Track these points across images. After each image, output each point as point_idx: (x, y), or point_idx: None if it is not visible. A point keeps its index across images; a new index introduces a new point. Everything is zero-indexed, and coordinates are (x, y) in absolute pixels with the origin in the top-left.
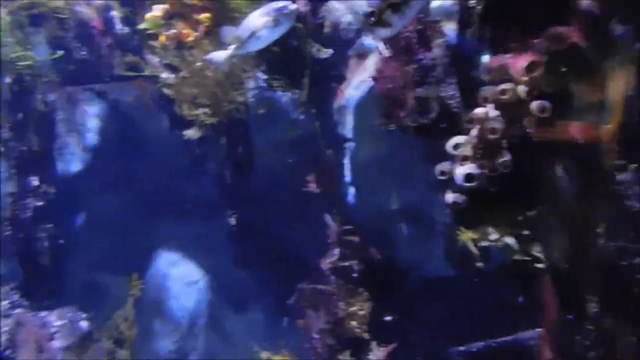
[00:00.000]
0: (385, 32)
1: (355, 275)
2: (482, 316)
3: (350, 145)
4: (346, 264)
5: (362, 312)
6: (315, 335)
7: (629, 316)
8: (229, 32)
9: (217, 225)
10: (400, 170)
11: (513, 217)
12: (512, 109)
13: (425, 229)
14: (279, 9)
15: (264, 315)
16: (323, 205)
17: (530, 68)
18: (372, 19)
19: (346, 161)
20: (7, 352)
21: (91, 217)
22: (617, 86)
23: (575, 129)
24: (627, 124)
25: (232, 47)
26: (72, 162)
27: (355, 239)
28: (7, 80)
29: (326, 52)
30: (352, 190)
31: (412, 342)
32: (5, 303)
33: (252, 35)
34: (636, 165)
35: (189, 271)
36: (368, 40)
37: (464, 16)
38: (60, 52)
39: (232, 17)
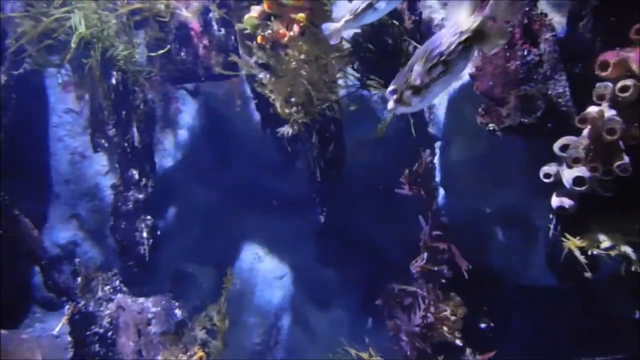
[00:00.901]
0: (404, 109)
1: (445, 279)
2: (587, 331)
3: (441, 144)
4: (436, 268)
5: (454, 318)
6: (404, 338)
7: None
8: (343, 5)
9: (305, 223)
10: (497, 172)
11: (630, 225)
12: (631, 108)
13: (524, 235)
14: None
15: (349, 313)
16: (415, 206)
17: None
18: (395, 96)
19: (437, 161)
20: (109, 333)
21: (184, 210)
22: None
23: None
24: None
25: (345, 18)
26: (168, 158)
27: (446, 243)
28: (113, 80)
29: None
30: (442, 192)
31: (507, 353)
32: (108, 288)
33: (370, 6)
34: None
35: (275, 266)
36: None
37: (575, 8)
38: (166, 49)
39: (327, 15)
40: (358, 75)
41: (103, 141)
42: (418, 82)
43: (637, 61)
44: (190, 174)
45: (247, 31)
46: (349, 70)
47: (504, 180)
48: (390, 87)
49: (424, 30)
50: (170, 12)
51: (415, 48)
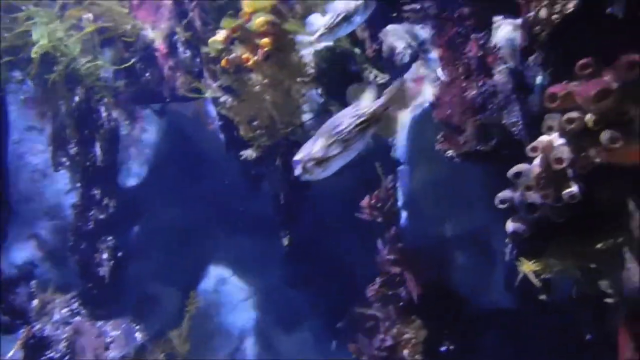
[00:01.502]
0: (308, 177)
1: (403, 302)
2: (545, 353)
3: (404, 169)
4: (390, 292)
5: (414, 341)
6: None
7: None
8: (316, 18)
9: (271, 245)
10: (458, 196)
11: (580, 249)
12: (579, 138)
13: (484, 258)
14: None
15: (315, 336)
16: (376, 229)
17: (599, 96)
18: (299, 166)
19: (400, 185)
20: (65, 358)
21: (148, 231)
22: None
23: None
24: None
25: (320, 32)
26: (132, 177)
27: (400, 267)
28: (77, 97)
29: (383, 78)
30: (405, 215)
31: None
32: (65, 310)
33: (345, 19)
34: None
35: (241, 288)
36: (427, 63)
37: (526, 43)
38: (130, 62)
39: (292, 40)
40: (322, 100)
41: (65, 159)
42: (320, 155)
43: (581, 95)
44: (155, 194)
45: (213, 55)
46: (313, 95)
47: (464, 205)
48: (296, 157)
49: (385, 57)
50: (136, 32)
51: (376, 76)
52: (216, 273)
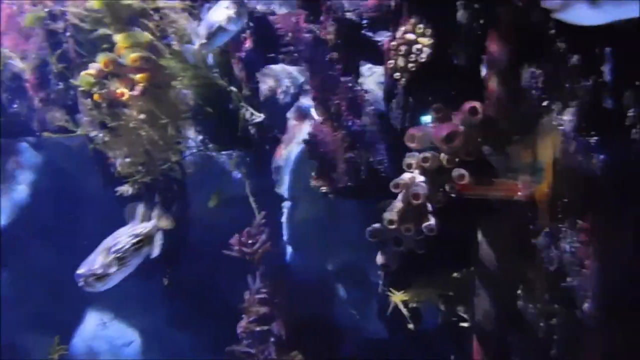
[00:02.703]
0: (91, 290)
1: (275, 339)
2: None
3: (288, 204)
4: (258, 328)
5: None
6: None
7: None
8: (192, 29)
9: (154, 285)
10: (337, 231)
11: (440, 279)
12: (435, 175)
13: (362, 291)
14: (237, 1)
15: None
16: (250, 266)
17: (449, 138)
18: (81, 280)
19: (285, 220)
20: None
21: (21, 274)
22: (546, 149)
23: (526, 187)
24: (557, 186)
25: (200, 42)
26: (3, 216)
27: (268, 307)
28: None
29: (259, 116)
30: (290, 250)
31: None
32: None
33: (220, 29)
34: (549, 229)
35: (122, 332)
36: (305, 103)
37: (389, 87)
38: None
39: (168, 74)
40: (200, 137)
41: None
42: (99, 271)
43: (435, 136)
44: (29, 234)
45: (84, 88)
46: (191, 132)
47: (343, 239)
48: (78, 271)
49: (266, 96)
50: (3, 62)
51: (252, 114)
52: (95, 317)
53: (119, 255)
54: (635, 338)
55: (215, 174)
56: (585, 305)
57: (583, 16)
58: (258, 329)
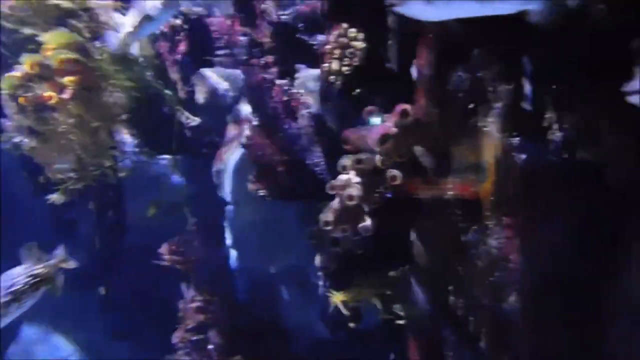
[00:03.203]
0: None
1: (215, 345)
2: None
3: (230, 208)
4: (194, 337)
5: None
6: None
7: None
8: (119, 18)
9: (91, 295)
10: (279, 234)
11: (377, 278)
12: (370, 177)
13: (306, 292)
14: None
15: None
16: (181, 275)
17: (382, 140)
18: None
19: (227, 224)
20: None
21: None
22: (489, 148)
23: (457, 187)
24: (500, 183)
25: (127, 31)
26: None
27: (204, 314)
28: None
29: (195, 120)
30: (234, 254)
31: None
32: None
33: (146, 18)
34: (478, 226)
35: (60, 345)
36: (244, 106)
37: (323, 90)
38: None
39: (98, 76)
40: (135, 141)
41: None
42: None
43: (370, 138)
44: None
45: (7, 92)
46: (125, 136)
47: (285, 242)
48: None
49: (207, 99)
50: None
51: (187, 118)
52: (31, 331)
53: (16, 295)
54: (559, 329)
55: (153, 179)
56: (511, 299)
57: (419, 11)
58: (194, 338)
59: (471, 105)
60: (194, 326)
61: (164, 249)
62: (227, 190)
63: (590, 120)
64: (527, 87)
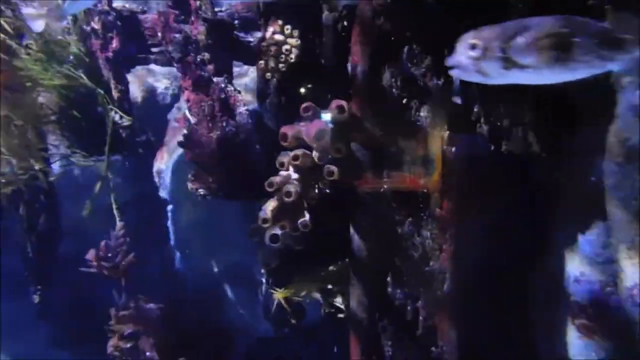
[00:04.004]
0: None
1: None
2: None
3: (172, 208)
4: (128, 344)
5: None
6: None
7: (416, 355)
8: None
9: (22, 304)
10: (221, 233)
11: (319, 273)
12: (309, 173)
13: (250, 291)
14: None
15: None
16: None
17: (318, 136)
18: None
19: (170, 225)
20: None
21: None
22: (434, 141)
23: (406, 180)
24: (447, 175)
25: (46, 10)
26: None
27: (134, 324)
28: None
29: (128, 120)
30: (177, 255)
31: None
32: None
33: None
34: (412, 218)
35: None
36: (184, 104)
37: (261, 86)
38: None
39: (26, 79)
40: (66, 143)
41: None
42: None
43: (306, 134)
44: None
45: None
46: (56, 137)
47: (227, 241)
48: None
49: (140, 98)
50: None
51: (121, 117)
52: None
53: None
54: (488, 313)
55: (89, 182)
56: (445, 286)
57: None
58: (129, 345)
59: (404, 101)
60: (129, 333)
61: (90, 255)
62: (168, 190)
63: (513, 114)
64: (456, 82)
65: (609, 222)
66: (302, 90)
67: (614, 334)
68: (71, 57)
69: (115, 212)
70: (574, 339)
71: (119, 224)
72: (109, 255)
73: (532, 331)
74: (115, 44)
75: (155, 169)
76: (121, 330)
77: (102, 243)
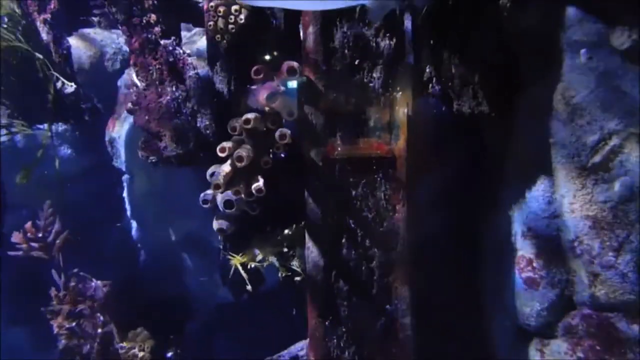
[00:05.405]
0: None
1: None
2: (264, 337)
3: (127, 177)
4: (74, 323)
5: (142, 353)
6: None
7: (371, 314)
8: None
9: None
10: (176, 201)
11: (274, 237)
12: (262, 137)
13: (207, 258)
14: None
15: None
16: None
17: (269, 98)
18: None
19: (126, 195)
20: None
21: None
22: (399, 108)
23: (373, 146)
24: (412, 140)
25: None
26: None
27: (71, 304)
28: None
29: (71, 86)
30: (134, 225)
31: None
32: None
33: None
34: (365, 180)
35: None
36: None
37: (211, 51)
38: None
39: None
40: (6, 111)
41: None
42: None
43: (258, 98)
44: None
45: None
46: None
47: (183, 209)
48: None
49: (87, 64)
50: None
51: (63, 83)
52: None
53: None
54: (440, 269)
55: (33, 152)
56: (398, 245)
57: None
58: (74, 324)
59: (357, 62)
60: (72, 312)
61: (16, 237)
62: (122, 160)
63: (463, 74)
64: (408, 43)
65: (553, 179)
66: (253, 52)
67: (557, 285)
68: (5, 19)
69: (60, 183)
70: (520, 290)
71: (47, 202)
72: (39, 235)
73: (482, 285)
74: (53, 4)
75: (107, 137)
76: (63, 311)
77: (28, 223)
